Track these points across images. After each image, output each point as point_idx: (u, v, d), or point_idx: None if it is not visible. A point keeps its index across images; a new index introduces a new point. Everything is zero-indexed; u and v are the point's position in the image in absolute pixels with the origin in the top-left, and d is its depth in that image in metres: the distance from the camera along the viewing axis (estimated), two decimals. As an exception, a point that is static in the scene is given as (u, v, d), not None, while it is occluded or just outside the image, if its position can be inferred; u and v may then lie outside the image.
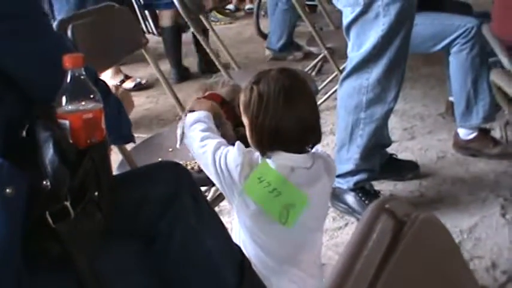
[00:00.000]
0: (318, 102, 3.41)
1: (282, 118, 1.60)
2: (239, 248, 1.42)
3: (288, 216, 1.60)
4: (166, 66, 5.33)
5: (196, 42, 4.60)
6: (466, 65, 3.01)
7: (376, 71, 2.41)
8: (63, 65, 1.15)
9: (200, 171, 1.89)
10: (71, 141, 1.13)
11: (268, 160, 1.63)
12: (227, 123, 1.88)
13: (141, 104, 4.34)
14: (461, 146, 3.17)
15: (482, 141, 3.10)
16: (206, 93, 1.96)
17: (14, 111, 1.23)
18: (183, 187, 1.28)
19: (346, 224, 2.54)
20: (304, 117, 1.63)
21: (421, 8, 2.50)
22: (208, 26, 3.04)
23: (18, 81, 1.22)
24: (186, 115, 1.83)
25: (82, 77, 1.15)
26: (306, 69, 4.45)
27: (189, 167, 1.91)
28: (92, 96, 1.14)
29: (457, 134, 3.18)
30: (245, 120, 1.68)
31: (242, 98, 1.69)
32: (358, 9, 2.36)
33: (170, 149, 2.09)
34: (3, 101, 1.22)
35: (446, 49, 3.08)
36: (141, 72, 4.72)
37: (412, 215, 0.69)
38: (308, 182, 1.65)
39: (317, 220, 1.78)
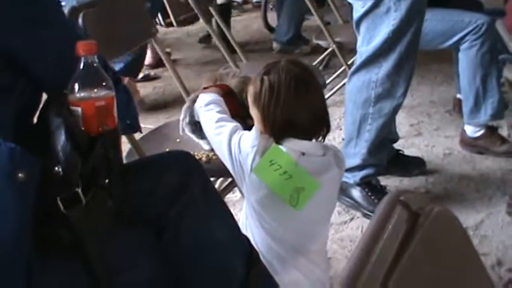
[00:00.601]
0: (325, 97, 3.41)
1: (293, 108, 1.61)
2: (248, 239, 1.42)
3: (298, 199, 1.61)
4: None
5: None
6: (476, 62, 3.00)
7: (385, 66, 2.40)
8: (76, 51, 1.14)
9: (208, 161, 1.91)
10: (82, 128, 1.13)
11: (279, 146, 1.64)
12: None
13: (148, 94, 4.35)
14: (468, 143, 3.16)
15: (490, 139, 3.09)
16: (215, 83, 1.96)
17: (25, 97, 1.24)
18: (193, 176, 1.28)
19: (351, 219, 2.53)
20: (315, 107, 1.64)
21: (431, 4, 2.49)
22: (216, 18, 3.03)
23: (30, 67, 1.22)
24: (192, 101, 1.86)
25: (95, 64, 1.15)
26: (314, 64, 4.45)
27: (197, 158, 1.91)
28: (104, 83, 1.14)
29: (464, 131, 3.17)
30: (255, 111, 1.68)
31: (252, 89, 1.69)
32: (369, 4, 2.36)
33: (178, 140, 2.08)
34: (15, 87, 1.22)
35: (456, 46, 3.07)
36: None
37: (427, 208, 0.70)
38: (319, 170, 1.65)
39: (326, 210, 1.79)
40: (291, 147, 1.63)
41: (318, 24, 3.67)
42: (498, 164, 3.01)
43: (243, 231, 1.71)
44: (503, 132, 3.24)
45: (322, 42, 3.67)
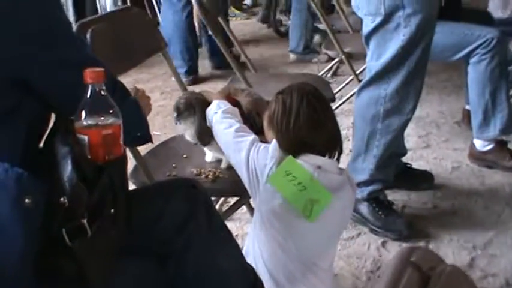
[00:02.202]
0: (334, 107, 3.39)
1: (306, 127, 1.65)
2: (252, 268, 1.41)
3: (312, 211, 1.62)
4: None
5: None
6: (485, 76, 2.97)
7: (394, 82, 2.38)
8: (84, 79, 1.13)
9: (214, 180, 1.89)
10: (89, 156, 1.12)
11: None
12: None
13: (156, 100, 4.33)
14: (477, 157, 3.13)
15: (499, 153, 3.07)
16: (227, 96, 1.96)
17: (32, 120, 1.22)
18: (198, 206, 1.27)
19: (358, 234, 2.51)
20: (327, 126, 1.68)
21: (441, 17, 2.46)
22: (226, 29, 3.01)
23: (39, 90, 1.21)
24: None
25: (102, 92, 1.13)
26: (322, 72, 4.43)
27: (203, 176, 1.90)
28: (111, 111, 1.13)
29: (473, 145, 3.15)
30: (270, 134, 1.71)
31: (266, 112, 1.73)
32: (378, 19, 2.34)
33: (185, 155, 2.07)
34: (22, 108, 1.21)
35: (465, 59, 3.04)
36: (156, 69, 4.71)
37: (438, 268, 0.68)
38: (334, 186, 1.66)
39: (337, 227, 1.80)
40: (307, 160, 1.65)
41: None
42: (507, 179, 2.98)
43: (250, 242, 1.72)
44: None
45: (331, 52, 3.64)
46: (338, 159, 1.71)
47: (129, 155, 1.87)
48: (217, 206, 2.52)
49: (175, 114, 1.92)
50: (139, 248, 1.22)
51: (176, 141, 2.12)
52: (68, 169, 1.07)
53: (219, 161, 1.98)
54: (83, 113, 1.13)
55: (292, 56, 5.31)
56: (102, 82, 1.14)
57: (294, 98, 1.67)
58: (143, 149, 2.07)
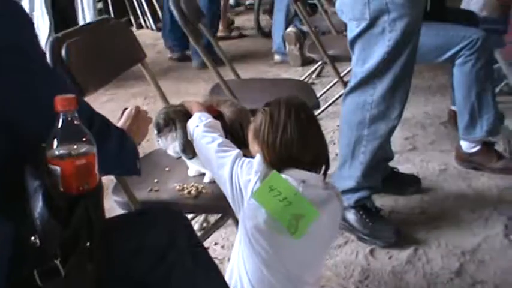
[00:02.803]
0: (319, 111, 3.36)
1: (293, 140, 1.60)
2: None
3: (297, 227, 1.57)
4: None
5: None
6: (471, 78, 2.94)
7: (380, 87, 2.34)
8: (55, 107, 1.07)
9: (197, 196, 1.84)
10: (61, 188, 1.05)
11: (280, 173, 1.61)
12: None
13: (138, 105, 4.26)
14: (463, 159, 3.11)
15: (486, 155, 3.04)
16: (209, 107, 1.91)
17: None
18: (179, 235, 1.22)
19: (346, 242, 2.47)
20: (314, 140, 1.64)
21: (425, 18, 2.42)
22: (208, 36, 2.96)
23: (5, 119, 1.14)
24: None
25: (75, 120, 1.07)
26: (307, 74, 4.39)
27: (185, 191, 1.86)
28: (84, 139, 1.07)
29: (459, 147, 3.12)
30: (255, 147, 1.66)
31: (252, 125, 1.69)
32: (363, 24, 2.29)
33: (167, 168, 2.02)
34: None
35: (451, 60, 3.01)
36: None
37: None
38: (319, 201, 1.62)
39: (324, 243, 1.75)
40: (292, 174, 1.60)
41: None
42: (494, 181, 2.96)
43: (235, 259, 1.69)
44: (499, 147, 3.19)
45: (315, 55, 3.60)
46: (325, 174, 1.66)
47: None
48: (198, 224, 2.48)
49: (155, 132, 1.87)
50: (118, 280, 1.16)
51: (158, 154, 2.07)
52: (39, 205, 1.01)
53: (202, 174, 1.93)
54: (55, 142, 1.07)
55: (276, 57, 5.26)
56: (74, 110, 1.07)
57: (281, 112, 1.62)
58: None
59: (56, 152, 1.06)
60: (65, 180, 1.06)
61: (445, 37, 2.96)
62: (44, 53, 1.22)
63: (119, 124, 1.50)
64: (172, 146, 1.87)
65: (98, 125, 1.26)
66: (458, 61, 2.96)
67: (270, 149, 1.61)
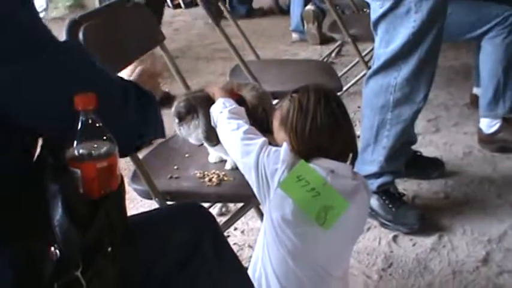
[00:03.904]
0: (340, 92, 3.29)
1: (322, 128, 1.55)
2: None
3: (326, 218, 1.52)
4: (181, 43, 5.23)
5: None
6: (500, 52, 2.87)
7: (405, 70, 2.27)
8: (75, 106, 1.00)
9: (219, 183, 1.80)
10: (81, 190, 0.99)
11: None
12: None
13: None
14: (486, 140, 3.04)
15: (508, 131, 2.97)
16: (230, 92, 1.86)
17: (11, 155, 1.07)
18: (204, 234, 1.17)
19: (368, 228, 2.42)
20: (343, 128, 1.59)
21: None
22: (227, 15, 2.89)
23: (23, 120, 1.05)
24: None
25: (95, 118, 1.00)
26: (326, 54, 4.31)
27: (206, 179, 1.81)
28: (105, 137, 1.01)
29: (480, 130, 3.05)
30: (281, 134, 1.61)
31: (278, 112, 1.64)
32: (388, 4, 2.22)
33: (187, 155, 1.97)
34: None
35: (480, 38, 2.93)
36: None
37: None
38: (348, 191, 1.57)
39: (352, 234, 1.71)
40: (320, 164, 1.55)
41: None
42: (520, 164, 2.89)
43: (260, 250, 1.65)
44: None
45: (336, 35, 3.52)
46: (353, 164, 1.61)
47: (127, 158, 1.78)
48: (217, 209, 2.44)
49: (176, 121, 1.81)
50: (141, 283, 1.11)
51: (178, 139, 2.01)
52: (58, 212, 0.94)
53: (223, 161, 1.88)
54: (75, 143, 1.00)
55: (294, 36, 5.18)
56: (94, 108, 1.01)
57: (311, 99, 1.56)
58: (142, 152, 1.98)
59: (76, 153, 1.00)
60: (86, 184, 0.99)
61: (476, 15, 2.88)
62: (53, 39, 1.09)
63: (133, 77, 1.39)
64: (195, 133, 1.81)
65: (135, 94, 1.16)
66: (488, 35, 2.88)
67: (299, 138, 1.56)
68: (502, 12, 2.83)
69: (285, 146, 1.57)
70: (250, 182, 1.62)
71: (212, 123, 1.74)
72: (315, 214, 1.52)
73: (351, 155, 1.60)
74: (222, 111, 1.71)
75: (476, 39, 2.99)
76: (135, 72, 1.43)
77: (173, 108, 1.82)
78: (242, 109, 1.74)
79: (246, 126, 1.66)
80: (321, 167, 1.54)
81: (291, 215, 1.54)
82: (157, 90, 1.48)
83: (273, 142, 1.64)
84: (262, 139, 1.62)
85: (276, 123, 1.64)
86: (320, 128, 1.55)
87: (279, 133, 1.62)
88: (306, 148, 1.56)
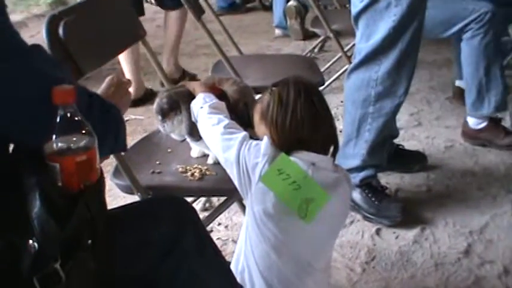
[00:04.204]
0: (323, 87, 3.30)
1: (302, 121, 1.55)
2: (241, 286, 1.32)
3: (307, 211, 1.53)
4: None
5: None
6: (479, 52, 2.88)
7: (386, 64, 2.28)
8: (53, 100, 0.99)
9: (201, 177, 1.80)
10: (60, 184, 0.98)
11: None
12: None
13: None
14: (470, 135, 3.06)
15: (493, 131, 2.99)
16: (211, 87, 1.86)
17: None
18: (186, 228, 1.17)
19: (351, 222, 2.43)
20: (323, 121, 1.59)
21: (433, -9, 2.36)
22: (209, 11, 2.89)
23: None
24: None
25: (74, 112, 1.00)
26: (309, 49, 4.32)
27: (188, 173, 1.81)
28: (84, 131, 1.01)
29: (466, 123, 3.07)
30: (262, 128, 1.61)
31: (259, 105, 1.64)
32: (368, -1, 2.23)
33: (169, 150, 1.97)
34: None
35: (458, 35, 2.95)
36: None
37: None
38: (329, 184, 1.57)
39: (334, 227, 1.71)
40: (301, 157, 1.55)
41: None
42: (501, 158, 2.92)
43: (242, 243, 1.65)
44: (506, 123, 3.13)
45: (318, 30, 3.53)
46: (334, 156, 1.61)
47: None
48: (200, 204, 2.44)
49: (159, 118, 1.81)
50: (122, 276, 1.11)
51: (159, 136, 2.01)
52: (36, 204, 0.94)
53: (206, 156, 1.88)
54: (53, 137, 0.99)
55: (277, 32, 5.19)
56: (73, 102, 1.01)
57: (290, 92, 1.56)
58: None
59: (55, 146, 0.99)
60: (65, 178, 0.99)
61: (453, 10, 2.89)
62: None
63: (99, 91, 1.39)
64: (178, 129, 1.81)
65: (99, 106, 1.17)
66: (466, 35, 2.90)
67: (279, 131, 1.56)
68: (479, 8, 2.83)
69: (265, 139, 1.57)
70: (232, 177, 1.62)
71: (193, 119, 1.74)
72: (296, 207, 1.52)
73: (332, 148, 1.60)
74: (202, 106, 1.71)
75: (454, 36, 3.01)
76: (103, 86, 1.41)
77: (155, 105, 1.82)
78: (222, 104, 1.74)
79: (227, 121, 1.66)
80: (301, 160, 1.54)
81: (273, 209, 1.55)
82: (127, 101, 1.46)
83: (254, 136, 1.64)
84: (243, 133, 1.62)
85: (256, 117, 1.64)
86: (300, 121, 1.55)
87: (260, 127, 1.62)
88: (286, 141, 1.56)
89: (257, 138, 1.63)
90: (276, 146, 1.57)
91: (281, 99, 1.57)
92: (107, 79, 1.44)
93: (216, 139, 1.65)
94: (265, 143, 1.57)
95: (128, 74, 3.77)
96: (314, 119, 1.56)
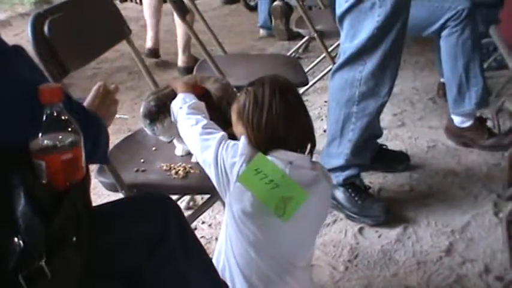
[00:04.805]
0: (306, 87, 3.32)
1: (278, 120, 1.56)
2: (225, 284, 1.33)
3: (285, 210, 1.53)
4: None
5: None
6: (457, 49, 2.91)
7: (370, 64, 2.30)
8: (40, 98, 1.00)
9: (185, 176, 1.81)
10: (44, 181, 0.99)
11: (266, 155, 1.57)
12: None
13: (123, 81, 4.21)
14: (454, 133, 3.08)
15: (478, 131, 3.02)
16: (193, 85, 1.87)
17: None
18: (170, 225, 1.17)
19: (334, 221, 2.45)
20: (299, 119, 1.60)
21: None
22: (193, 9, 2.90)
23: None
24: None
25: (60, 111, 1.00)
26: (293, 49, 4.34)
27: (173, 171, 1.82)
28: (70, 129, 1.01)
29: (450, 120, 3.09)
30: (239, 128, 1.62)
31: (235, 105, 1.64)
32: (353, -1, 2.25)
33: (154, 148, 1.98)
34: None
35: (437, 33, 2.98)
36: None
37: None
38: (307, 182, 1.58)
39: (314, 224, 1.72)
40: (278, 156, 1.56)
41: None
42: (483, 158, 2.94)
43: (222, 242, 1.65)
44: (489, 122, 3.16)
45: (302, 31, 3.54)
46: (311, 154, 1.62)
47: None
48: (184, 203, 2.44)
49: (147, 122, 1.81)
50: (107, 273, 1.12)
51: (143, 134, 2.02)
52: (21, 202, 0.94)
53: (190, 154, 1.89)
54: (39, 135, 1.00)
55: (262, 32, 5.20)
56: (60, 100, 1.01)
57: (266, 91, 1.57)
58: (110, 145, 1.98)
59: (41, 144, 1.00)
60: (50, 176, 1.00)
61: (430, 9, 2.92)
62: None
63: (86, 102, 1.40)
64: (170, 132, 1.81)
65: (79, 115, 1.17)
66: (444, 33, 2.94)
67: (255, 130, 1.57)
68: (455, 6, 2.86)
69: (243, 139, 1.58)
70: (210, 177, 1.62)
71: (172, 119, 1.75)
72: (274, 206, 1.53)
73: (309, 145, 1.61)
74: (181, 106, 1.71)
75: (435, 34, 3.03)
76: (89, 97, 1.41)
77: (142, 109, 1.82)
78: (202, 104, 1.75)
79: (205, 121, 1.66)
80: (279, 159, 1.55)
81: (251, 208, 1.55)
82: (113, 111, 1.46)
83: (235, 135, 1.65)
84: (220, 133, 1.63)
85: (234, 117, 1.64)
86: (276, 119, 1.55)
87: (237, 126, 1.63)
88: (263, 140, 1.56)
89: (235, 138, 1.63)
90: (253, 145, 1.57)
91: (256, 99, 1.57)
92: (93, 89, 1.45)
93: (195, 139, 1.65)
94: (242, 142, 1.58)
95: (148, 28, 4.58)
96: (290, 117, 1.56)
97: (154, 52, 4.55)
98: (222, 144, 1.59)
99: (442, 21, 2.91)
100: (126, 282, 1.13)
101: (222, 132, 1.64)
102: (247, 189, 1.54)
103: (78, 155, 1.02)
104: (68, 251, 0.99)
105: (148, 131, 1.85)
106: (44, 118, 0.99)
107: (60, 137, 1.00)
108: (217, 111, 1.82)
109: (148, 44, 4.58)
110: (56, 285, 0.96)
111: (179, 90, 1.79)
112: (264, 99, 1.57)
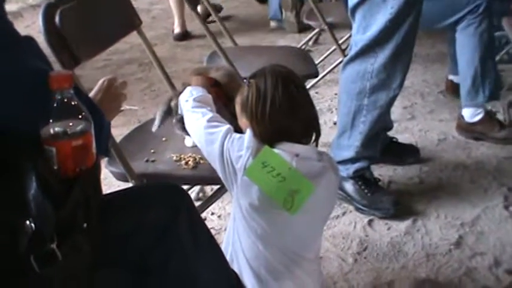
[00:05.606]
0: (317, 79, 3.32)
1: (281, 111, 1.54)
2: (236, 274, 1.33)
3: (293, 203, 1.52)
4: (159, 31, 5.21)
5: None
6: (474, 41, 2.90)
7: (382, 56, 2.29)
8: (50, 85, 1.00)
9: (195, 166, 1.81)
10: (55, 167, 1.00)
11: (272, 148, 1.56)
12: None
13: (133, 72, 4.22)
14: (465, 128, 3.07)
15: (488, 124, 3.01)
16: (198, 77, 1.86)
17: None
18: (180, 214, 1.17)
19: (344, 213, 2.45)
20: (303, 110, 1.59)
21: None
22: (206, 4, 2.90)
23: None
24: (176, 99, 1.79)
25: (71, 97, 1.01)
26: (303, 41, 4.33)
27: (183, 162, 1.82)
28: (80, 116, 1.02)
29: (461, 117, 3.08)
30: (243, 120, 1.61)
31: (239, 97, 1.63)
32: (365, -10, 2.24)
33: (164, 139, 1.98)
34: None
35: (453, 27, 2.97)
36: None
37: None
38: (314, 173, 1.57)
39: (322, 216, 1.71)
40: (285, 149, 1.55)
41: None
42: (493, 151, 2.93)
43: (230, 235, 1.65)
44: (500, 116, 3.15)
45: (313, 23, 3.53)
46: (316, 143, 1.61)
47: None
48: (194, 194, 2.45)
49: (174, 121, 1.78)
50: (115, 260, 1.12)
51: (154, 123, 2.02)
52: (32, 186, 0.95)
53: (200, 145, 1.89)
54: (50, 121, 1.01)
55: (272, 24, 5.19)
56: (70, 87, 1.02)
57: (268, 83, 1.55)
58: (119, 135, 1.98)
59: (51, 131, 1.00)
60: (61, 162, 1.00)
61: (449, 2, 2.91)
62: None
63: (90, 95, 1.40)
64: None
65: (86, 105, 1.18)
66: (461, 25, 2.92)
67: (259, 123, 1.55)
68: (474, 0, 2.85)
69: (248, 132, 1.57)
70: (216, 170, 1.62)
71: (179, 112, 1.74)
72: (282, 199, 1.51)
73: (314, 135, 1.60)
74: (187, 99, 1.71)
75: (449, 28, 3.03)
76: (93, 90, 1.42)
77: (174, 120, 1.80)
78: (209, 97, 1.74)
79: (210, 115, 1.65)
80: (285, 151, 1.54)
81: (258, 201, 1.54)
82: (117, 106, 1.47)
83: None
84: (226, 127, 1.62)
85: (238, 110, 1.64)
86: (279, 110, 1.54)
87: (242, 119, 1.62)
88: (268, 132, 1.55)
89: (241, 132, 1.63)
90: (259, 138, 1.56)
91: (259, 91, 1.56)
92: (99, 82, 1.45)
93: (200, 133, 1.64)
94: (248, 135, 1.57)
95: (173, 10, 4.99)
96: (293, 107, 1.55)
97: (182, 35, 5.01)
98: (227, 138, 1.59)
99: (460, 14, 2.90)
100: (134, 270, 1.14)
101: (228, 126, 1.63)
102: (254, 184, 1.53)
103: (88, 141, 1.02)
104: (78, 236, 0.99)
105: (178, 131, 1.83)
106: (55, 104, 1.00)
107: (71, 123, 1.01)
108: (228, 99, 1.80)
109: (176, 30, 5.05)
110: (66, 269, 0.97)
111: (193, 85, 1.78)
112: (267, 91, 1.55)
